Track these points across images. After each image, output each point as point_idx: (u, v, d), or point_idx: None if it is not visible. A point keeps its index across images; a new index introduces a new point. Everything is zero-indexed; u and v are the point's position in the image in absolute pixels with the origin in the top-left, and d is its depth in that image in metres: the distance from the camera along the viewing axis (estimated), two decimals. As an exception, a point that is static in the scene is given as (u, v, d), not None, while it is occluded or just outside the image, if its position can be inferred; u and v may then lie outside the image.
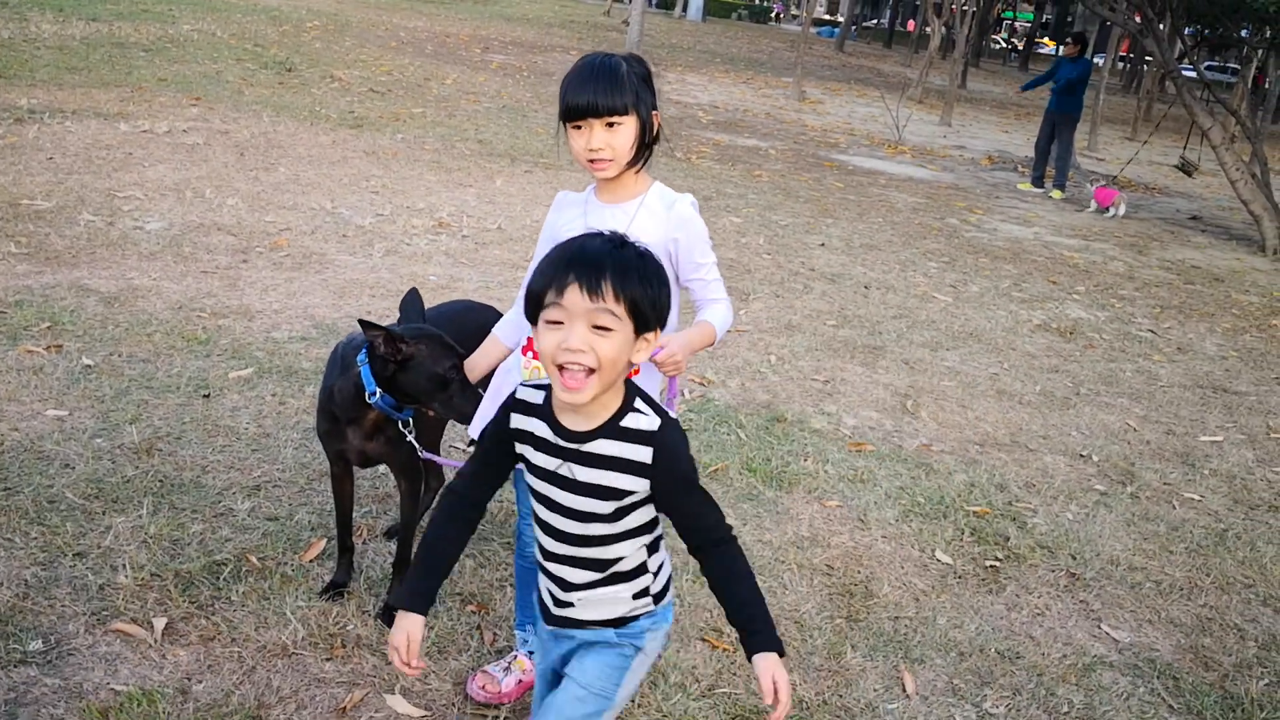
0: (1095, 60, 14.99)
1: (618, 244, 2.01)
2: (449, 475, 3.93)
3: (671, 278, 2.69)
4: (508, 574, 3.57)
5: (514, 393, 2.14)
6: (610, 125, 2.54)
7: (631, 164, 2.60)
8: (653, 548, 2.20)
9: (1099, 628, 3.81)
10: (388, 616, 3.21)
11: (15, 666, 2.81)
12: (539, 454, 2.10)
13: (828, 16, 70.61)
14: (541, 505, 2.13)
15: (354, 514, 3.69)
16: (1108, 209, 13.03)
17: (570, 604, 2.18)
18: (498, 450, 2.17)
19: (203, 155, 9.12)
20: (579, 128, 2.58)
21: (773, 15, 65.13)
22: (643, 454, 2.03)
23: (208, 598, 3.20)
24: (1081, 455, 5.35)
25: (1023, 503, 4.70)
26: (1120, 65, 46.63)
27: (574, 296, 1.91)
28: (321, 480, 3.96)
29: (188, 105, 11.23)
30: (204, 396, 4.54)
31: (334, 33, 20.33)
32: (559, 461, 2.08)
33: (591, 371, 1.93)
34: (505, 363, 2.84)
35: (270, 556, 3.46)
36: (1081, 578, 4.12)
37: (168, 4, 20.65)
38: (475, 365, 2.85)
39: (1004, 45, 63.87)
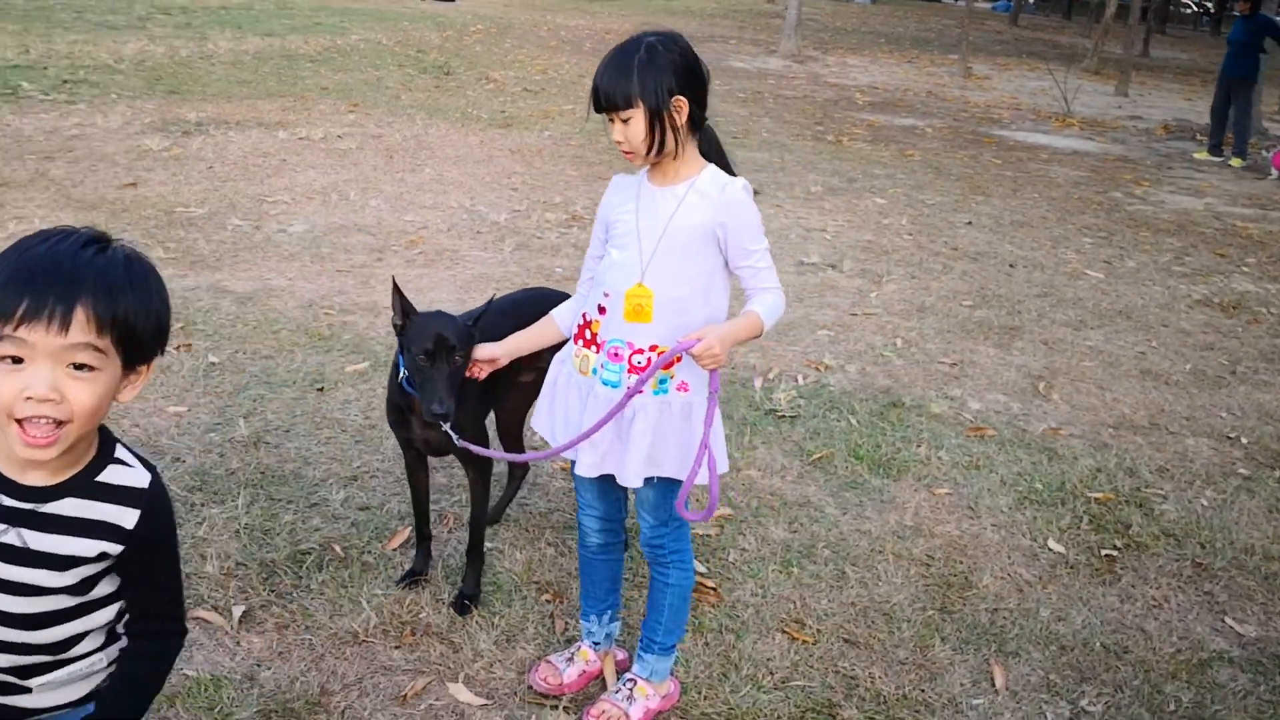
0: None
1: (97, 247, 1.55)
2: (507, 464, 3.94)
3: (720, 264, 2.62)
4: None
5: None
6: (625, 120, 2.50)
7: (657, 151, 2.53)
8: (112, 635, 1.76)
9: (1222, 621, 3.55)
10: (462, 607, 3.23)
11: (99, 650, 2.94)
12: None
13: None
14: None
15: (440, 503, 3.76)
16: (1289, 175, 12.18)
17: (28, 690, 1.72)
18: None
19: (354, 159, 9.43)
20: (610, 119, 2.55)
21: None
22: (126, 516, 1.64)
23: (288, 586, 3.29)
24: (1229, 437, 5.00)
25: (1153, 488, 4.42)
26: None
27: (36, 330, 1.46)
28: (447, 473, 4.02)
29: (345, 112, 11.63)
30: (318, 390, 4.67)
31: (495, 35, 20.77)
32: (3, 527, 1.60)
33: (63, 424, 1.51)
34: (560, 353, 2.82)
35: (354, 545, 3.53)
36: (1209, 568, 3.85)
37: (340, 16, 21.49)
38: (519, 345, 2.85)
39: (1194, 9, 60.43)
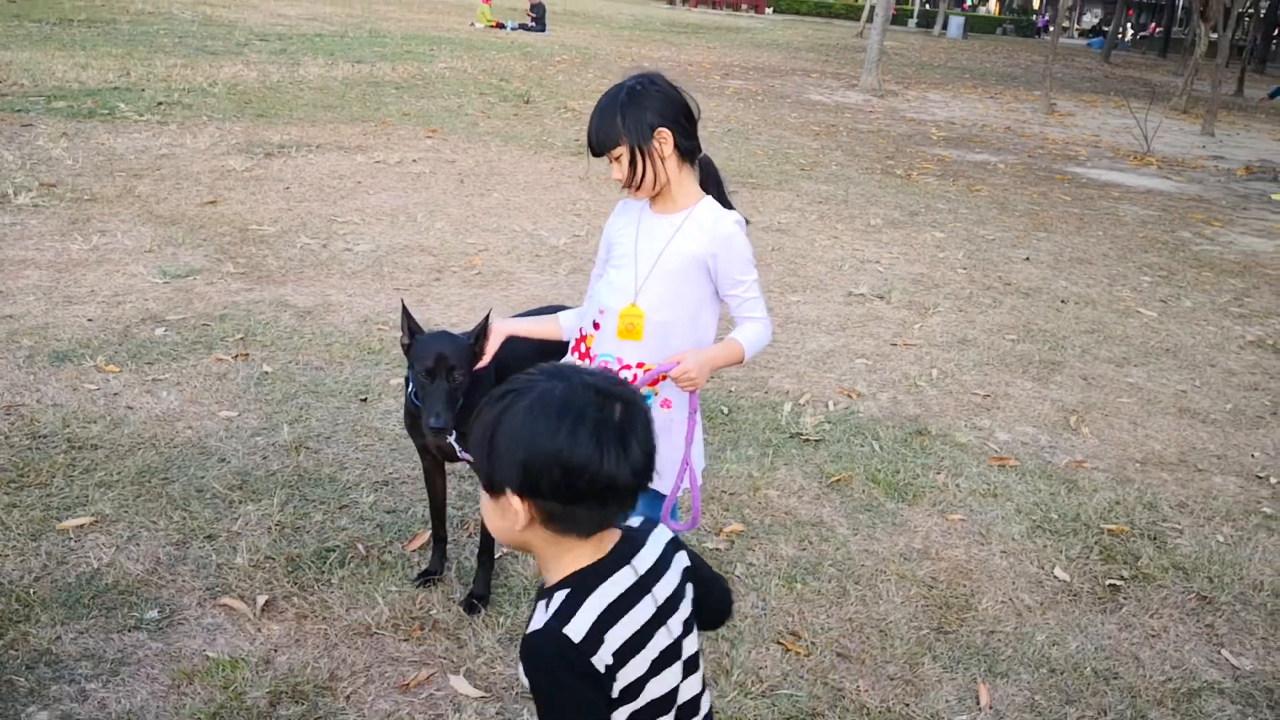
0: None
1: None
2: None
3: (710, 292, 2.79)
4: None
5: None
6: (616, 158, 2.69)
7: (643, 182, 2.70)
8: None
9: (1219, 653, 3.59)
10: (471, 607, 3.41)
11: (129, 631, 3.17)
12: None
13: (1106, 28, 67.38)
14: None
15: (463, 509, 3.95)
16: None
17: None
18: None
19: (425, 183, 9.74)
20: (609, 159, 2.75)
21: (1039, 29, 62.72)
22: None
23: (310, 580, 3.50)
24: (1258, 476, 5.01)
25: (1169, 523, 4.46)
26: None
27: None
28: (462, 479, 4.22)
29: (424, 137, 11.99)
30: (361, 400, 4.91)
31: (579, 65, 21.15)
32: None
33: None
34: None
35: (377, 545, 3.73)
36: (1213, 601, 3.89)
37: (430, 45, 22.07)
38: (520, 328, 3.06)
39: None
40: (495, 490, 1.60)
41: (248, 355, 5.34)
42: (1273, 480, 4.97)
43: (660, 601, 1.66)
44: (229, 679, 3.00)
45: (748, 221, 2.85)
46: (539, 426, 1.54)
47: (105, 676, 2.98)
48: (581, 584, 1.60)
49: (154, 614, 3.26)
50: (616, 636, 1.58)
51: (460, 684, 3.10)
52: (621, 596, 1.61)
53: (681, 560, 1.74)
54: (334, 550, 3.67)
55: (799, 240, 8.81)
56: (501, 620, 3.39)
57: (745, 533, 4.07)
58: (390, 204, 8.83)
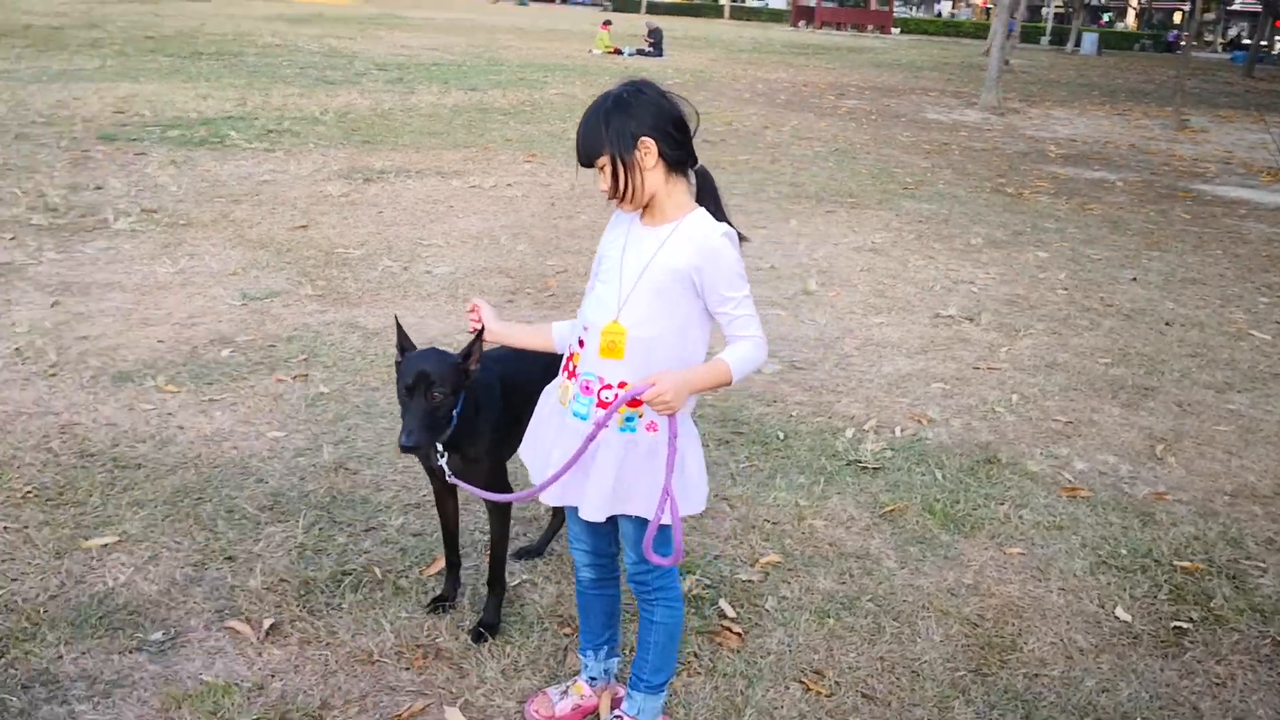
0: None
1: None
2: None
3: (699, 309, 2.64)
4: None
5: None
6: (601, 168, 2.57)
7: (626, 193, 2.57)
8: None
9: (1291, 706, 3.27)
10: (478, 635, 3.31)
11: (130, 653, 3.15)
12: None
13: (1248, 40, 64.77)
14: None
15: (485, 537, 3.85)
16: None
17: None
18: None
19: (516, 207, 9.77)
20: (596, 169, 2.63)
21: (1169, 44, 60.58)
22: None
23: (320, 603, 3.44)
24: (1363, 512, 4.61)
25: (1253, 560, 4.11)
26: None
27: None
28: (479, 503, 4.14)
29: (523, 161, 12.06)
30: (410, 423, 4.86)
31: (690, 88, 21.10)
32: None
33: None
34: (548, 385, 2.87)
35: (394, 569, 3.66)
36: (1292, 648, 3.56)
37: (544, 72, 22.32)
38: (511, 333, 2.94)
39: None
40: None
41: (306, 376, 5.35)
42: (1379, 516, 4.57)
43: None
44: (218, 705, 2.95)
45: (742, 238, 2.69)
46: None
47: (97, 699, 2.95)
48: None
49: (158, 635, 3.23)
50: None
51: (455, 716, 2.98)
52: None
53: None
54: (350, 573, 3.60)
55: (891, 260, 8.55)
56: (508, 650, 3.27)
57: (782, 564, 3.88)
58: (477, 227, 8.86)
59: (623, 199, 2.59)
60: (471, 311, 2.91)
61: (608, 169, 2.56)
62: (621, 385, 2.58)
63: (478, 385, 3.05)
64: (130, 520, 3.86)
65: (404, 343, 3.00)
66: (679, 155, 2.62)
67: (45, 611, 3.31)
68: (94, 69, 17.31)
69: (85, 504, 3.97)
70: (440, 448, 2.95)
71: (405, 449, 2.79)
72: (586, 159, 2.60)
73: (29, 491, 4.04)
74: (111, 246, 7.58)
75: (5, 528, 3.77)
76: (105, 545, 3.69)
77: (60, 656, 3.11)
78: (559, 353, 2.85)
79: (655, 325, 2.59)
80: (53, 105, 13.41)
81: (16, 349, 5.46)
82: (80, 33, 23.45)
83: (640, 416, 2.60)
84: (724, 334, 2.65)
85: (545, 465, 2.73)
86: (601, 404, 2.60)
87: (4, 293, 6.40)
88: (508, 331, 2.93)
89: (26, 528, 3.78)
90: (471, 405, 3.03)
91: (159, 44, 22.20)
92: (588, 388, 2.63)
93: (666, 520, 2.57)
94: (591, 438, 2.57)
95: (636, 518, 2.69)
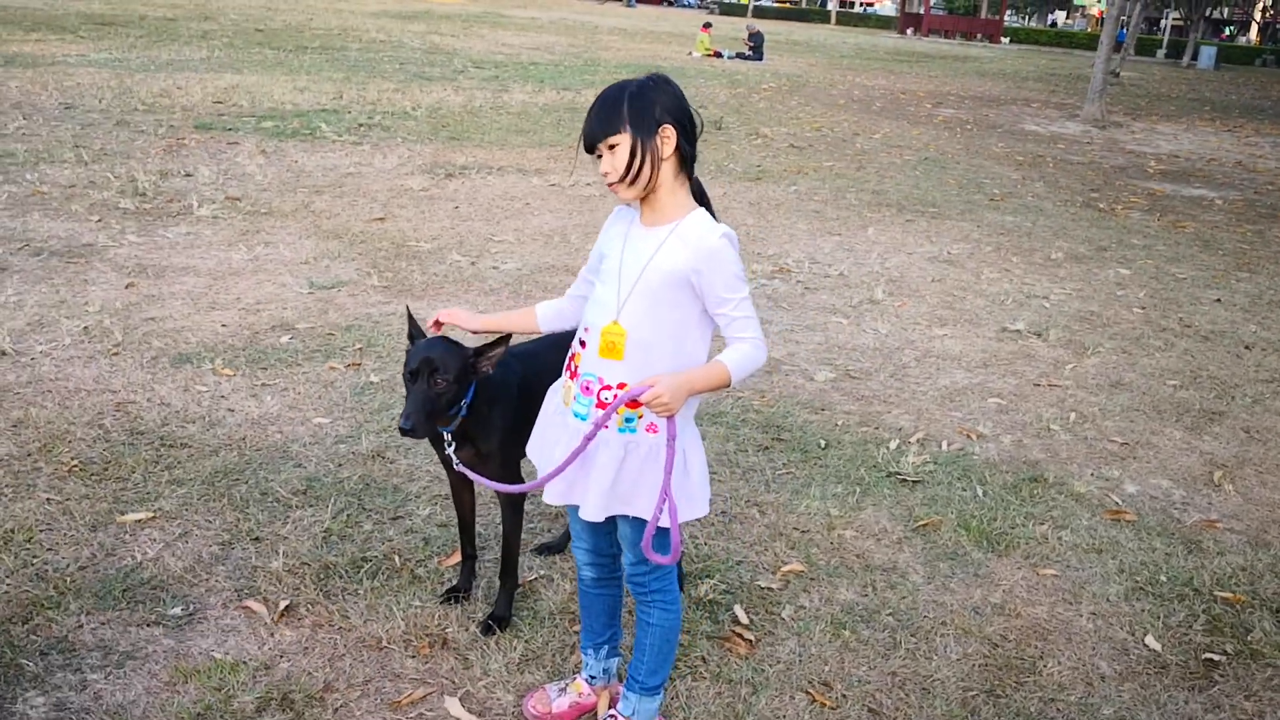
0: None
1: None
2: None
3: (698, 311, 2.62)
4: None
5: None
6: (611, 147, 2.54)
7: (636, 180, 2.55)
8: None
9: (1319, 748, 3.14)
10: (487, 628, 3.33)
11: (146, 626, 3.23)
12: None
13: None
14: None
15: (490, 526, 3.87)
16: None
17: None
18: None
19: (592, 206, 9.81)
20: (598, 156, 2.61)
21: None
22: None
23: (337, 588, 3.49)
24: None
25: (1301, 595, 3.96)
26: None
27: None
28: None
29: (605, 161, 12.08)
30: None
31: (784, 93, 21.01)
32: None
33: None
34: (554, 384, 2.88)
35: (413, 558, 3.70)
36: (1329, 688, 3.41)
37: (640, 73, 22.28)
38: (495, 323, 2.99)
39: None
40: None
41: (359, 365, 5.44)
42: None
43: None
44: (223, 681, 3.01)
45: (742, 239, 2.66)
46: None
47: (110, 668, 3.04)
48: None
49: (176, 610, 3.31)
50: None
51: (454, 706, 3.01)
52: None
53: None
54: (370, 560, 3.66)
55: (964, 272, 8.40)
56: (516, 644, 3.29)
57: (805, 574, 3.84)
58: (550, 225, 8.92)
59: (631, 183, 2.56)
60: (433, 327, 2.97)
61: (621, 149, 2.53)
62: (621, 386, 2.58)
63: (494, 381, 3.07)
64: (167, 498, 3.97)
65: (414, 330, 3.04)
66: (690, 151, 2.61)
67: (72, 581, 3.41)
68: (200, 59, 17.83)
69: (127, 480, 4.09)
70: (449, 437, 2.98)
71: (403, 432, 2.85)
72: (595, 139, 2.57)
73: (75, 465, 4.17)
74: (192, 232, 7.79)
75: (48, 499, 3.90)
76: (139, 521, 3.80)
77: (80, 625, 3.21)
78: (543, 332, 2.89)
79: (654, 327, 2.58)
80: (156, 94, 13.83)
81: (85, 328, 5.65)
82: (193, 24, 24.15)
83: (640, 418, 2.60)
84: (723, 335, 2.63)
85: (549, 464, 2.74)
86: (601, 405, 2.60)
87: (83, 273, 6.62)
88: (495, 321, 2.97)
89: (68, 500, 3.91)
90: (485, 399, 3.06)
91: (267, 37, 22.77)
92: (588, 388, 2.63)
93: (665, 523, 2.56)
94: (590, 438, 2.57)
95: (634, 519, 2.68)
